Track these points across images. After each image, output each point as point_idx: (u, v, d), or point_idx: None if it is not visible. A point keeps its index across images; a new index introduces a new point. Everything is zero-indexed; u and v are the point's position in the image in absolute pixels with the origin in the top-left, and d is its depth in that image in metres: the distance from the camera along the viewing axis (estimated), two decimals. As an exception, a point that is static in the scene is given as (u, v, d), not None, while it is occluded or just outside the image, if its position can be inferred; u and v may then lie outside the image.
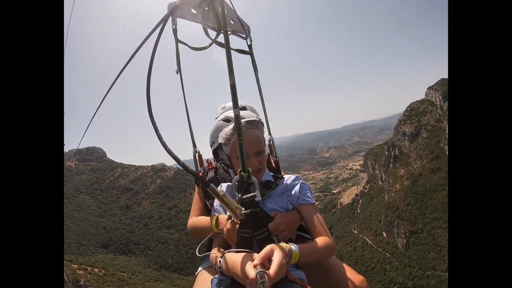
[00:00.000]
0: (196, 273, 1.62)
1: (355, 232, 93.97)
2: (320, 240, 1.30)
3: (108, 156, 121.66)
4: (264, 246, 1.10)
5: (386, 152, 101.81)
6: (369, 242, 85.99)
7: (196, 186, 1.89)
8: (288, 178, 1.51)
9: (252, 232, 1.28)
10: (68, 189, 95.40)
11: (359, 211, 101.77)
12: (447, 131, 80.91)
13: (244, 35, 1.79)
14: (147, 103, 0.98)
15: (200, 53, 1.53)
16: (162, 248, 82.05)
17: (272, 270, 0.98)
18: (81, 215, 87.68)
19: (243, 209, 1.16)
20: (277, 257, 1.02)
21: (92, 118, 1.39)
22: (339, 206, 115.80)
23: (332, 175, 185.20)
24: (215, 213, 1.50)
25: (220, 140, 1.50)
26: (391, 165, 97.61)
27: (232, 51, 1.25)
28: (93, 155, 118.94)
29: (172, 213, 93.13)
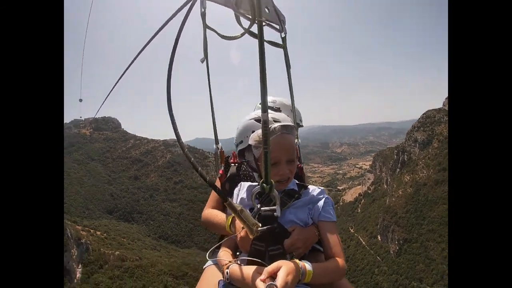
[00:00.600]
0: (204, 266, 1.61)
1: (352, 230, 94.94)
2: (335, 262, 1.28)
3: (122, 127, 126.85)
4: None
5: (395, 156, 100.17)
6: (363, 242, 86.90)
7: (217, 178, 1.84)
8: (313, 190, 1.46)
9: (266, 247, 1.25)
10: (81, 156, 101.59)
11: (359, 210, 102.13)
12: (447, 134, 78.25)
13: (279, 27, 1.63)
14: (167, 95, 0.91)
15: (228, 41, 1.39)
16: (163, 220, 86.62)
17: (278, 283, 0.97)
18: (90, 181, 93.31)
19: (260, 225, 1.10)
20: (282, 272, 1.01)
21: (111, 91, 1.36)
22: (341, 203, 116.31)
23: (340, 171, 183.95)
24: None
25: (251, 142, 1.43)
26: (398, 170, 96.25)
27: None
28: (108, 125, 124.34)
29: (177, 188, 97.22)
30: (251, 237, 1.13)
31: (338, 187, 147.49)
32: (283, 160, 1.31)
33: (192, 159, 0.93)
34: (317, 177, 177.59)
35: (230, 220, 1.41)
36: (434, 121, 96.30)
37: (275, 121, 1.37)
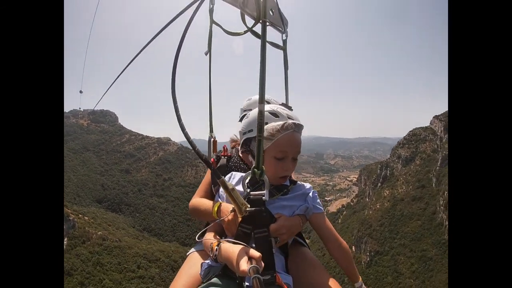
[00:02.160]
0: (188, 253, 1.64)
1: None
2: (349, 253, 1.44)
3: (119, 121, 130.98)
4: (261, 245, 1.18)
5: (379, 171, 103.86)
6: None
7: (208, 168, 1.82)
8: (301, 185, 1.50)
9: (252, 229, 1.26)
10: (77, 145, 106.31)
11: (340, 221, 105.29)
12: (439, 162, 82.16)
13: (281, 29, 1.72)
14: (171, 83, 0.96)
15: (226, 39, 1.50)
16: (149, 214, 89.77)
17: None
18: (83, 170, 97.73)
19: (249, 206, 1.17)
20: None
21: (111, 85, 1.43)
22: (324, 213, 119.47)
23: (330, 183, 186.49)
24: (219, 199, 1.51)
25: (265, 133, 1.41)
26: (379, 184, 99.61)
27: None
28: (106, 118, 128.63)
29: (166, 185, 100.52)
30: (239, 216, 1.21)
31: (326, 198, 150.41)
32: (290, 157, 1.37)
33: (191, 139, 0.99)
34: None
35: (218, 205, 1.45)
36: (419, 139, 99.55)
37: (289, 117, 1.41)
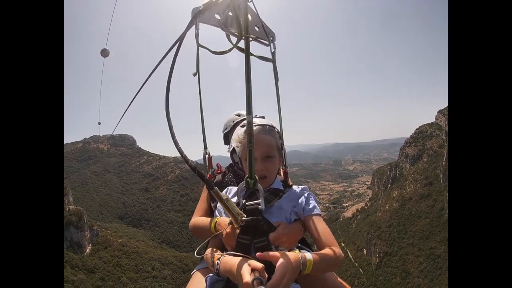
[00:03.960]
0: (192, 273, 1.63)
1: (342, 245, 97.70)
2: (330, 250, 1.26)
3: (137, 144, 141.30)
4: None
5: (388, 172, 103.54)
6: (350, 255, 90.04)
7: (204, 187, 1.84)
8: (296, 188, 1.50)
9: (251, 240, 1.22)
10: (99, 168, 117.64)
11: (354, 226, 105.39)
12: (445, 157, 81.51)
13: (266, 42, 1.80)
14: (166, 102, 1.00)
15: (217, 57, 1.49)
16: (167, 227, 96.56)
17: (271, 282, 0.95)
18: (106, 190, 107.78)
19: (245, 215, 1.15)
20: (278, 273, 0.98)
21: (125, 112, 1.47)
22: (340, 219, 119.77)
23: (349, 189, 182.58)
24: (218, 215, 1.50)
25: (233, 143, 1.56)
26: (389, 185, 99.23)
27: (252, 57, 1.24)
28: (124, 141, 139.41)
29: (183, 200, 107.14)
30: (236, 227, 1.18)
31: (344, 204, 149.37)
32: (258, 157, 1.37)
33: (184, 153, 0.98)
34: (325, 194, 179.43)
35: (215, 220, 1.44)
36: (425, 136, 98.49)
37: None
